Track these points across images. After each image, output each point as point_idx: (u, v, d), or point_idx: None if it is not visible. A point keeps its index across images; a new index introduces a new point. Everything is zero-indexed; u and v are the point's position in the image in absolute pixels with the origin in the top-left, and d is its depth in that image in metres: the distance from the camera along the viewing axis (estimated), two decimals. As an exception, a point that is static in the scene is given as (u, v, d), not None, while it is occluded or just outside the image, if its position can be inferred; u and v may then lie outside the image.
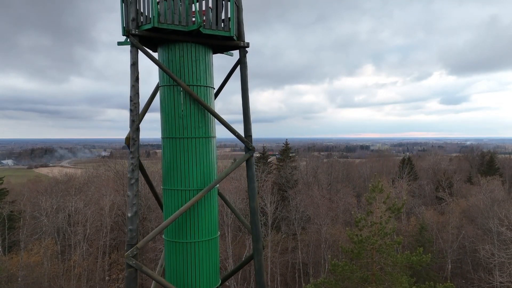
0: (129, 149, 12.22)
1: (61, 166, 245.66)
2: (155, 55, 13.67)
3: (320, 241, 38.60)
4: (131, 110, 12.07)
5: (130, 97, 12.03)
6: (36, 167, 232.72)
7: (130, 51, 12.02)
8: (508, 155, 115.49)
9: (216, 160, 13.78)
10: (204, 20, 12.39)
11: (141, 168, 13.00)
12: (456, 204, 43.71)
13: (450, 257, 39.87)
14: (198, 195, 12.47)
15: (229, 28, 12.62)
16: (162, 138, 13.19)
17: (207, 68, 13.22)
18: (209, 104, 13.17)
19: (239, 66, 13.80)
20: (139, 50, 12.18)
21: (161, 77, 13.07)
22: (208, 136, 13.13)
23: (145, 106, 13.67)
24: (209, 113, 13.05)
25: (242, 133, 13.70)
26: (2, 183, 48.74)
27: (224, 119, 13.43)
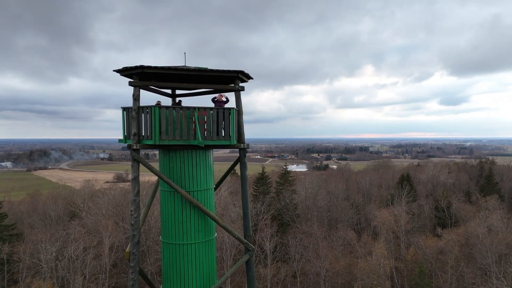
0: (129, 262, 12.23)
1: (60, 168, 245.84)
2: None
3: (319, 284, 38.65)
4: (131, 224, 12.07)
5: (131, 211, 12.03)
6: (35, 169, 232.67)
7: (132, 165, 12.03)
8: (508, 158, 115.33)
9: (216, 260, 13.80)
10: (204, 122, 12.41)
11: (142, 274, 13.02)
12: (456, 234, 43.72)
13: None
14: (198, 303, 12.51)
15: (230, 136, 12.61)
16: (162, 241, 13.20)
17: (208, 169, 13.23)
18: (209, 206, 13.21)
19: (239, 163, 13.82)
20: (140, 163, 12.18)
21: (161, 181, 13.07)
22: (208, 239, 13.16)
23: (144, 210, 13.69)
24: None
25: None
26: (1, 207, 48.70)
27: (224, 223, 13.47)
